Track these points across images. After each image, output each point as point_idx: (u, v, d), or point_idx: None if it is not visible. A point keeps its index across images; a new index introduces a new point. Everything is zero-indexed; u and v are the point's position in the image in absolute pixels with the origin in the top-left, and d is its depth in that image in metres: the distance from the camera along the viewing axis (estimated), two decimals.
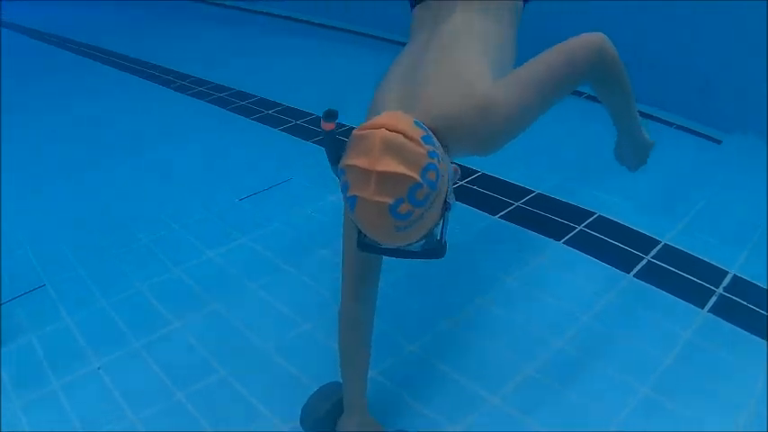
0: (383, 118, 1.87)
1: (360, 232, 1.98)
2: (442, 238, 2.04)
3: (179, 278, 3.73)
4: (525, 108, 2.13)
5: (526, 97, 2.12)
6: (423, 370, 2.99)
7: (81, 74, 8.28)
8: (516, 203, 4.20)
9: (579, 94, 5.51)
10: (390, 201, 1.78)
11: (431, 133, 1.93)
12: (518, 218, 4.06)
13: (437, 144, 1.93)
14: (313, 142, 5.29)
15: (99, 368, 3.10)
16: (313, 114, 5.92)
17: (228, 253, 3.94)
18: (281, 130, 5.70)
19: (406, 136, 1.81)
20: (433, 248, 2.04)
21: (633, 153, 2.85)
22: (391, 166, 1.77)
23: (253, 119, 6.03)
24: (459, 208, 3.69)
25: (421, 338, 3.16)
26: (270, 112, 6.13)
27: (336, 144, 2.10)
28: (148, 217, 4.39)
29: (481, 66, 2.22)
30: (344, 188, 1.88)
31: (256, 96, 6.60)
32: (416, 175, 1.79)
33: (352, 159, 1.84)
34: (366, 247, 2.03)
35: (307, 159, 4.98)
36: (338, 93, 6.11)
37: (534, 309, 3.31)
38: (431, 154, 1.85)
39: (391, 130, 1.81)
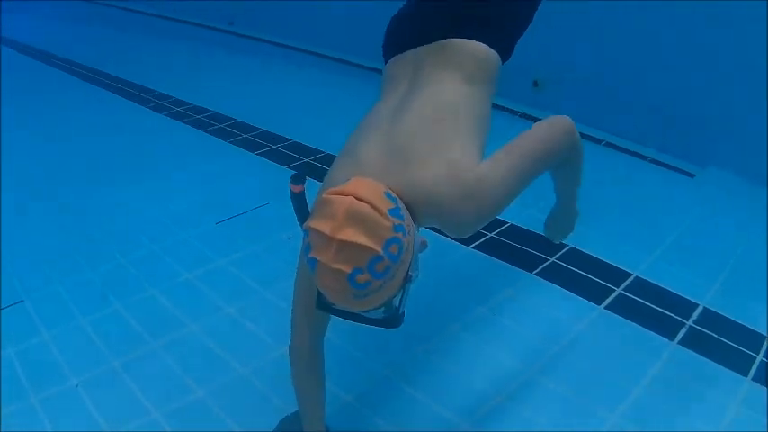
0: (353, 185, 1.88)
1: (319, 293, 1.99)
2: (400, 308, 2.03)
3: (156, 299, 3.75)
4: (507, 196, 2.14)
5: (509, 186, 2.13)
6: (396, 395, 3.03)
7: (58, 89, 8.27)
8: (490, 234, 4.26)
9: None
10: (348, 270, 1.78)
11: (401, 205, 1.94)
12: (491, 248, 4.11)
13: (406, 217, 1.93)
14: (290, 167, 5.32)
15: (77, 385, 3.11)
16: (290, 140, 5.94)
17: (205, 275, 3.96)
18: (258, 154, 5.71)
19: (373, 207, 1.81)
20: (390, 317, 2.05)
21: (564, 222, 2.91)
22: (353, 236, 1.77)
23: (230, 142, 6.04)
24: (433, 238, 3.75)
25: (394, 364, 3.20)
26: (247, 135, 6.15)
27: (304, 205, 2.15)
28: (126, 237, 4.41)
29: (468, 143, 2.19)
30: (306, 249, 1.88)
31: (234, 119, 6.61)
32: (378, 248, 1.79)
33: (315, 222, 1.84)
34: (325, 306, 2.04)
35: (283, 184, 4.85)
36: (315, 119, 6.16)
37: (506, 338, 3.36)
38: (396, 228, 1.85)
39: (359, 199, 1.81)
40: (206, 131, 6.36)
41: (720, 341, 3.30)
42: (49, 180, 5.44)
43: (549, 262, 3.93)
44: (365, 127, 2.34)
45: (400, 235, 1.85)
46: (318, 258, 1.81)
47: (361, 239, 1.77)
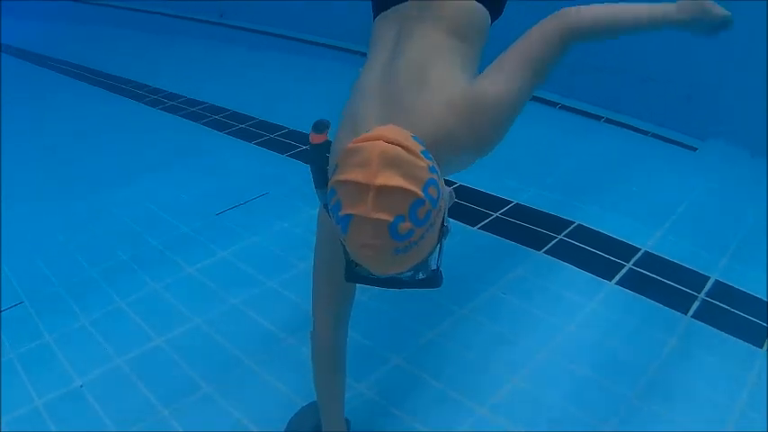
0: (380, 130, 1.71)
1: (348, 262, 1.84)
2: (437, 266, 1.90)
3: (159, 294, 3.70)
4: (510, 109, 2.02)
5: (510, 97, 2.02)
6: (409, 382, 2.98)
7: (53, 90, 8.23)
8: (495, 214, 4.20)
9: (554, 104, 5.53)
10: (390, 218, 1.61)
11: (427, 149, 1.78)
12: (497, 228, 4.06)
13: (434, 159, 1.77)
14: (288, 156, 5.28)
15: (81, 386, 3.06)
16: (287, 128, 5.90)
17: (208, 268, 3.91)
18: (256, 144, 5.67)
19: (405, 148, 1.66)
20: (430, 277, 1.89)
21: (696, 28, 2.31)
22: (392, 179, 1.61)
23: (226, 133, 6.00)
24: None
25: (405, 350, 3.15)
26: (244, 126, 6.11)
27: (324, 161, 1.97)
28: (125, 233, 4.36)
29: (456, 76, 2.12)
30: (336, 208, 1.71)
31: (229, 110, 6.57)
32: (419, 191, 1.64)
33: (346, 174, 1.67)
34: (355, 277, 1.88)
35: (283, 173, 4.96)
36: (311, 106, 6.11)
37: (518, 318, 3.31)
38: (431, 169, 1.71)
39: (389, 142, 1.65)
40: (202, 123, 6.32)
41: (734, 313, 3.26)
42: (46, 179, 5.40)
43: (556, 240, 3.88)
44: (359, 91, 2.24)
45: (436, 176, 1.72)
46: (354, 212, 1.64)
47: (401, 182, 1.62)
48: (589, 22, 2.12)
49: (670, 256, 3.70)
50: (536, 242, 3.88)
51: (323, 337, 2.47)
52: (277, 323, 3.39)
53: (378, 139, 1.67)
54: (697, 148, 5.07)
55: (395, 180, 1.62)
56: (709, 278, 3.52)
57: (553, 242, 3.88)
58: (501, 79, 2.03)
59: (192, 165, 5.41)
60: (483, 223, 4.11)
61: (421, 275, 1.87)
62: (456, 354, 3.12)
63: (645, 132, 5.36)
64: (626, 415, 2.71)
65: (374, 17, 2.54)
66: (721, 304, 3.33)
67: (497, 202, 4.33)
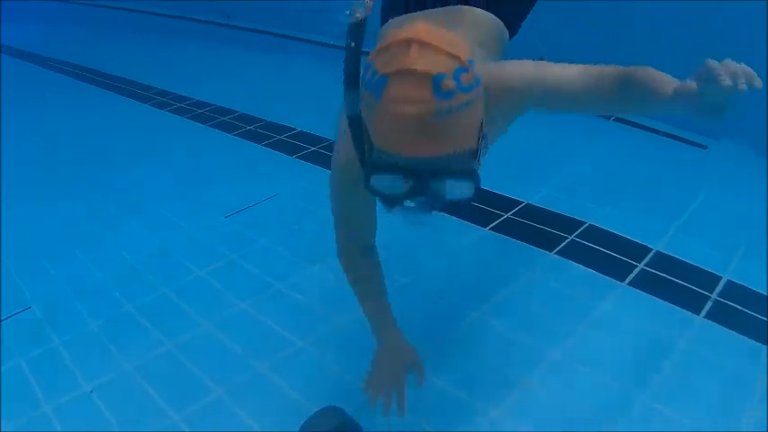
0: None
1: (367, 168, 1.74)
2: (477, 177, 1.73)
3: (167, 297, 3.68)
4: (529, 77, 1.99)
5: (533, 72, 2.01)
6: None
7: (59, 92, 8.25)
8: (506, 215, 4.17)
9: None
10: (434, 71, 1.52)
11: None
12: (508, 229, 4.03)
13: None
14: (297, 158, 5.26)
15: (91, 391, 3.04)
16: (296, 129, 5.88)
17: (217, 271, 3.88)
18: (265, 145, 5.65)
19: (447, 33, 1.62)
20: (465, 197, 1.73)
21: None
22: (438, 42, 1.56)
23: (235, 134, 5.99)
24: (449, 220, 3.67)
25: (418, 352, 3.11)
26: (251, 127, 6.09)
27: (359, 53, 1.88)
28: (133, 235, 4.36)
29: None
30: (372, 75, 1.61)
31: (237, 112, 6.56)
32: (464, 59, 1.58)
33: (387, 41, 1.60)
34: (374, 189, 1.74)
35: (292, 174, 4.95)
36: (319, 107, 6.10)
37: (530, 320, 3.28)
38: (472, 61, 1.63)
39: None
40: (209, 125, 6.32)
41: (747, 313, 3.23)
42: (53, 183, 5.39)
43: (568, 240, 3.85)
44: None
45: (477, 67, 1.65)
46: (393, 69, 1.55)
47: (447, 48, 1.56)
48: (650, 77, 2.04)
49: (682, 256, 3.66)
50: (547, 243, 3.85)
51: (355, 266, 2.53)
52: (287, 326, 3.37)
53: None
54: (707, 147, 5.04)
55: (441, 45, 1.56)
56: (721, 278, 3.48)
57: (564, 243, 3.85)
58: (531, 64, 2.04)
59: (199, 167, 5.41)
60: (494, 224, 4.09)
61: (456, 192, 1.71)
62: (469, 356, 3.10)
63: (655, 131, 5.32)
64: (637, 416, 2.68)
65: (385, 20, 2.53)
66: (733, 304, 3.29)
67: (508, 203, 4.31)
